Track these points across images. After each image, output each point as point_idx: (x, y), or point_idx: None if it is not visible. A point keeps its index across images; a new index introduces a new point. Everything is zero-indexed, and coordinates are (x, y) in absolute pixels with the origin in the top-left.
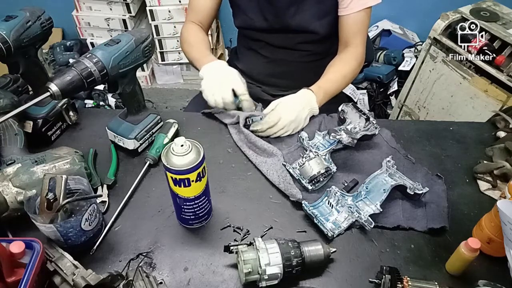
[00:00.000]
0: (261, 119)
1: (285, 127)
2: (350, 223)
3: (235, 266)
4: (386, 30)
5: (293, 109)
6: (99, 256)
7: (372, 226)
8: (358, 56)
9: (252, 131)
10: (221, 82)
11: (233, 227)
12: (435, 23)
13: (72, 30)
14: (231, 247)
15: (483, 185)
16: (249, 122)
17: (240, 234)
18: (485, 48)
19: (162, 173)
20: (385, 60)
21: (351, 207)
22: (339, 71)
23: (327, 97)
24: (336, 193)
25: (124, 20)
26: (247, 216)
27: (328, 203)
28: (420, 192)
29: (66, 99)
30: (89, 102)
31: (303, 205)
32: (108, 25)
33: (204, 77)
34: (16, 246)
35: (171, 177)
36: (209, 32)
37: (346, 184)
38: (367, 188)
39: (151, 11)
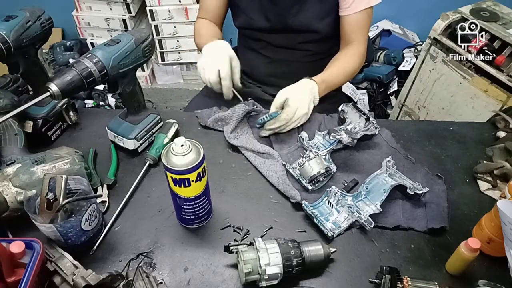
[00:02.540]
0: (267, 116)
1: (298, 120)
2: (350, 223)
3: (235, 266)
4: (386, 30)
5: (304, 101)
6: (99, 256)
7: (372, 226)
8: (361, 53)
9: (267, 129)
10: (211, 62)
11: (233, 227)
12: (435, 23)
13: (72, 30)
14: (231, 247)
15: (483, 185)
16: (262, 120)
17: (240, 234)
18: (485, 48)
19: (162, 173)
20: (385, 60)
21: (351, 207)
22: (342, 66)
23: (327, 90)
24: (336, 193)
25: (124, 20)
26: (247, 216)
27: (328, 203)
28: (420, 192)
29: (66, 99)
30: (89, 102)
31: (303, 205)
32: (108, 25)
33: (202, 55)
34: (16, 246)
35: (171, 177)
36: None
37: (346, 184)
38: (367, 188)
39: (151, 11)
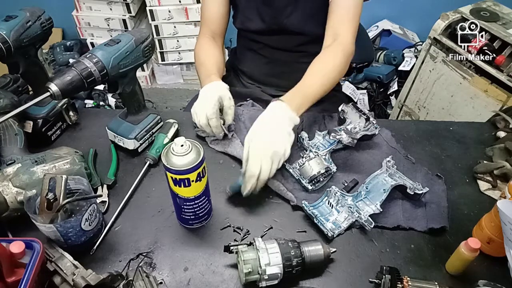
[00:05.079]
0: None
1: (272, 169)
2: (350, 223)
3: (235, 266)
4: (386, 30)
5: (270, 147)
6: (99, 256)
7: (372, 226)
8: (346, 47)
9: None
10: (200, 106)
11: (233, 227)
12: (435, 23)
13: (72, 30)
14: (231, 247)
15: (483, 185)
16: (232, 190)
17: (240, 234)
18: (485, 48)
19: (162, 173)
20: (385, 60)
21: (351, 207)
22: (318, 71)
23: (308, 101)
24: (336, 193)
25: (124, 20)
26: (247, 216)
27: (328, 203)
28: (420, 192)
29: (66, 99)
30: (89, 102)
31: (303, 205)
32: (108, 25)
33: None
34: (16, 246)
35: (171, 177)
36: None
37: (346, 184)
38: (367, 188)
39: (151, 11)
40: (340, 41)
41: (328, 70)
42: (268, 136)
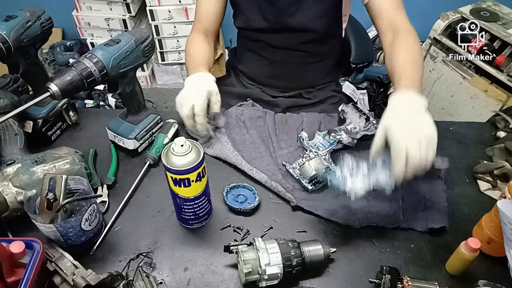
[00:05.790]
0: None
1: (422, 152)
2: (367, 188)
3: (235, 266)
4: None
5: (416, 131)
6: (99, 256)
7: (392, 188)
8: (408, 30)
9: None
10: (186, 97)
11: (233, 227)
12: (435, 23)
13: (72, 30)
14: (231, 247)
15: (483, 185)
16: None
17: (240, 234)
18: (485, 48)
19: (162, 173)
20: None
21: (366, 175)
22: (407, 61)
23: (420, 86)
24: (351, 159)
25: (124, 20)
26: (247, 216)
27: (341, 172)
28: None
29: (66, 99)
30: (89, 102)
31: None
32: (108, 25)
33: (182, 88)
34: (16, 246)
35: (171, 177)
36: None
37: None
38: (384, 161)
39: (151, 11)
40: (402, 31)
41: (414, 57)
42: (410, 120)
